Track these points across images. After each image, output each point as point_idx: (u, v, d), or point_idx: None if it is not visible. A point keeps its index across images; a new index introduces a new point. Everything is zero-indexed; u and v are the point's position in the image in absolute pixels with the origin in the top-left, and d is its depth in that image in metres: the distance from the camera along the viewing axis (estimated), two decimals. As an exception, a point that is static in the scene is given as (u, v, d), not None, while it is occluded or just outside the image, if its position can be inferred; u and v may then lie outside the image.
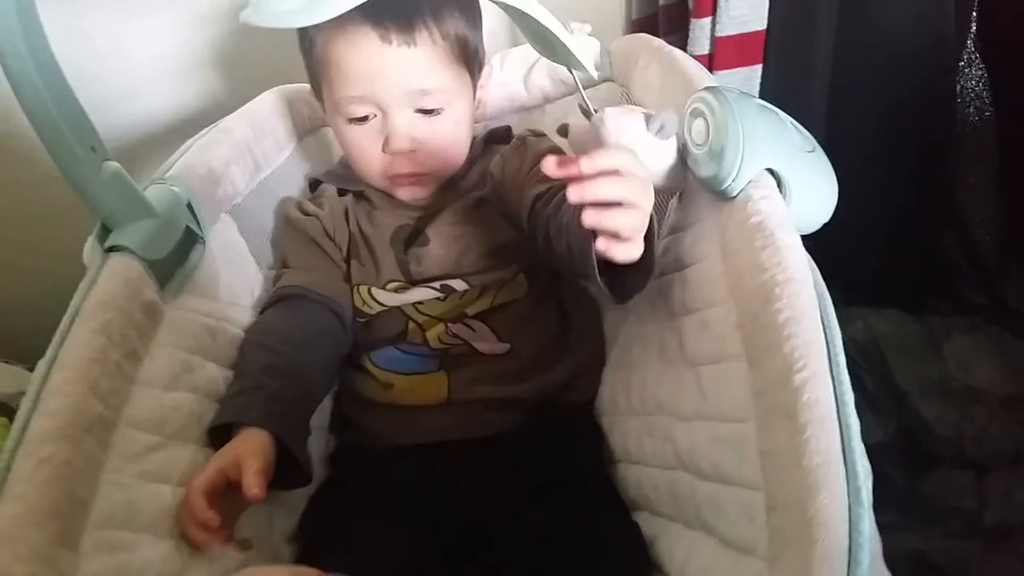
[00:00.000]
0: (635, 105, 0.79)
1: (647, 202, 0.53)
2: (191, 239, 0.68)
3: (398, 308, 0.79)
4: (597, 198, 0.50)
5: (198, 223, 0.69)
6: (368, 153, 0.76)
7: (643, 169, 0.54)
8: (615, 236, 0.51)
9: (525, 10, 0.62)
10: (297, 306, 0.76)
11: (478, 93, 0.81)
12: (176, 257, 0.66)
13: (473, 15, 0.77)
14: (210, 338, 0.68)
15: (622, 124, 0.64)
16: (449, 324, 0.78)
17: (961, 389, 1.00)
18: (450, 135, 0.77)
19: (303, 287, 0.77)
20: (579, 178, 0.49)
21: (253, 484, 0.56)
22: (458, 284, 0.78)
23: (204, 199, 0.71)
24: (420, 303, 0.78)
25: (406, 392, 0.78)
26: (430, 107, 0.74)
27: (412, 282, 0.79)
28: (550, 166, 0.50)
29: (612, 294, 0.61)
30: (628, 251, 0.53)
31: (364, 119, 0.75)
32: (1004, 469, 0.94)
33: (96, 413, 0.52)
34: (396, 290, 0.79)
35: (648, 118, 0.64)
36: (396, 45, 0.70)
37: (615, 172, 0.50)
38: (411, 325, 0.79)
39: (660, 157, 0.64)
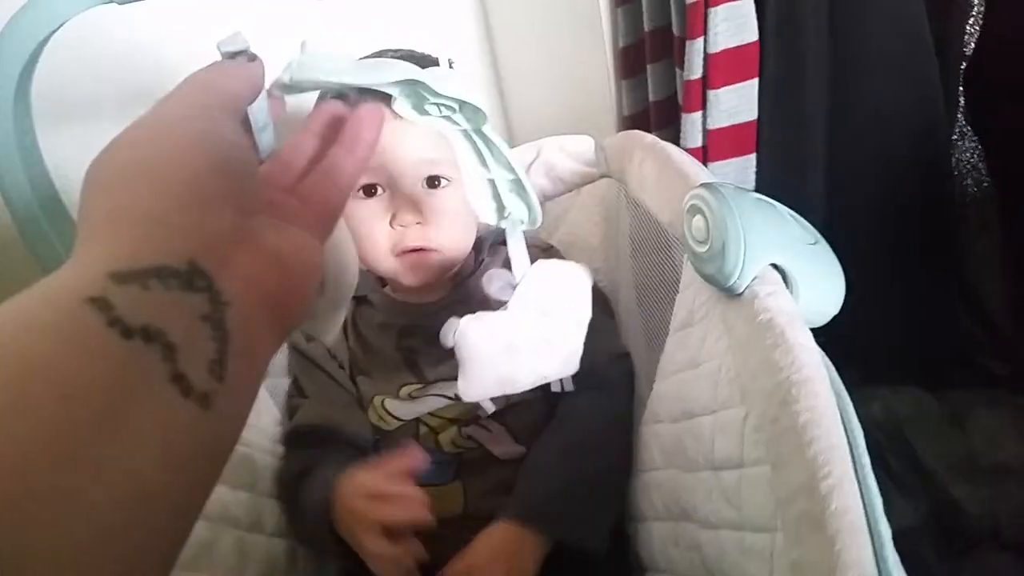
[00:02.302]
0: (631, 201, 0.81)
1: None
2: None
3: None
4: None
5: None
6: (375, 229, 0.74)
7: None
8: None
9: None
10: (321, 447, 0.76)
11: None
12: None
13: None
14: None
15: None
16: (463, 426, 0.76)
17: (989, 465, 0.97)
18: (457, 211, 0.76)
19: (324, 426, 0.76)
20: None
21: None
22: None
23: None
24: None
25: (420, 506, 0.76)
26: (438, 178, 0.75)
27: (426, 381, 0.77)
28: None
29: None
30: None
31: (372, 192, 0.74)
32: (1045, 548, 0.90)
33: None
34: (411, 396, 0.77)
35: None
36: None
37: None
38: (423, 430, 0.77)
39: None
